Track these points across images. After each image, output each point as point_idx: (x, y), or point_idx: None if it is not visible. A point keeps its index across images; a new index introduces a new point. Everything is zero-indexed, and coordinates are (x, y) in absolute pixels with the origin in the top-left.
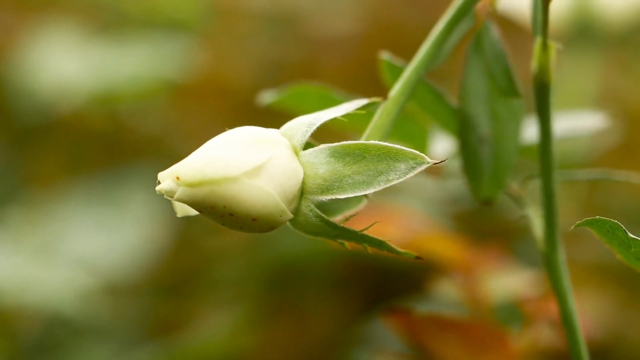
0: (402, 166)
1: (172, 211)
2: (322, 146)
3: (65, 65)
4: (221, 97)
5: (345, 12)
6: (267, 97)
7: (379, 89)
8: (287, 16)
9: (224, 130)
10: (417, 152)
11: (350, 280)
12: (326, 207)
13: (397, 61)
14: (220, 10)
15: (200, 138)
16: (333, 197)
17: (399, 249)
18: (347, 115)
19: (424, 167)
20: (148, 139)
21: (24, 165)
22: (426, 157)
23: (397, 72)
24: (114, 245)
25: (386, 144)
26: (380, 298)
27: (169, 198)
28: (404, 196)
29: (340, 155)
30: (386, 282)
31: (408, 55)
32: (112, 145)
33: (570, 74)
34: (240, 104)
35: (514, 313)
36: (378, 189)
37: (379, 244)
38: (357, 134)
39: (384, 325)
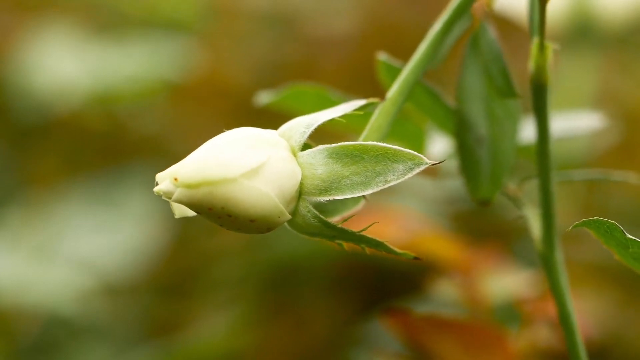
0: (400, 167)
1: (171, 211)
2: (320, 147)
3: (64, 65)
4: (219, 97)
5: (343, 12)
6: (264, 98)
7: (377, 90)
8: (286, 16)
9: (222, 131)
10: (415, 152)
11: (348, 281)
12: (324, 208)
13: (394, 62)
14: (219, 10)
15: (198, 138)
16: (331, 198)
17: (397, 250)
18: (345, 116)
19: (422, 167)
20: (146, 139)
21: (22, 166)
22: (424, 157)
23: (394, 72)
24: (113, 246)
25: (384, 144)
26: (379, 298)
27: (167, 199)
28: (401, 196)
29: (338, 156)
30: (384, 282)
31: (406, 56)
32: (110, 146)
33: (569, 74)
34: (238, 104)
35: (512, 313)
36: (376, 189)
37: (377, 244)
38: (355, 134)
39: (383, 326)
